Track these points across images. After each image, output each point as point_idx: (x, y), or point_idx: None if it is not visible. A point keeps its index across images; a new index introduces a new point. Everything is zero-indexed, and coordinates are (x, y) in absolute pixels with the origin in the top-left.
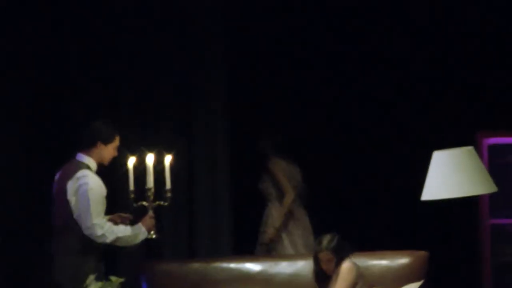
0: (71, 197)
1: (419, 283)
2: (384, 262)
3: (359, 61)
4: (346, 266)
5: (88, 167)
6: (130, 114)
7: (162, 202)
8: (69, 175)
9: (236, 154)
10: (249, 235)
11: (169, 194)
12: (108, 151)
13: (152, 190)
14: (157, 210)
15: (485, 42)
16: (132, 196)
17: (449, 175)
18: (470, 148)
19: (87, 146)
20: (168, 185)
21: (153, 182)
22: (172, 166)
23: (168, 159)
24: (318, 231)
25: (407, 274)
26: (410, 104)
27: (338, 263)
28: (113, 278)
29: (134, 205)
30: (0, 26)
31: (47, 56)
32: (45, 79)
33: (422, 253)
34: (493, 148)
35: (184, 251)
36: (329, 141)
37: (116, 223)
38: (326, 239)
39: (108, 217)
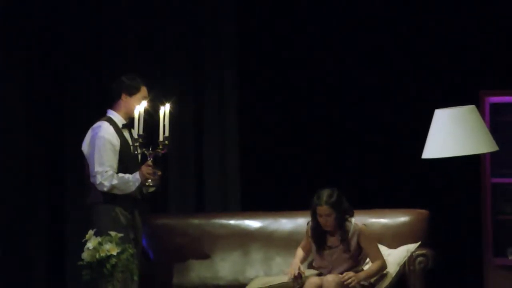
0: (84, 147)
1: (416, 245)
2: (383, 220)
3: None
4: (363, 229)
5: (109, 120)
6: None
7: (159, 150)
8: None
9: (245, 106)
10: (257, 191)
11: (166, 142)
12: (134, 103)
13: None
14: (162, 161)
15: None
16: (137, 144)
17: (451, 134)
18: (472, 106)
19: (114, 100)
20: (166, 133)
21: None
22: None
23: (167, 107)
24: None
25: (407, 233)
26: (412, 62)
27: (339, 220)
28: (112, 233)
29: (135, 152)
30: None
31: None
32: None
33: (422, 212)
34: (494, 106)
35: (191, 206)
36: (329, 101)
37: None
38: (325, 194)
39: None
